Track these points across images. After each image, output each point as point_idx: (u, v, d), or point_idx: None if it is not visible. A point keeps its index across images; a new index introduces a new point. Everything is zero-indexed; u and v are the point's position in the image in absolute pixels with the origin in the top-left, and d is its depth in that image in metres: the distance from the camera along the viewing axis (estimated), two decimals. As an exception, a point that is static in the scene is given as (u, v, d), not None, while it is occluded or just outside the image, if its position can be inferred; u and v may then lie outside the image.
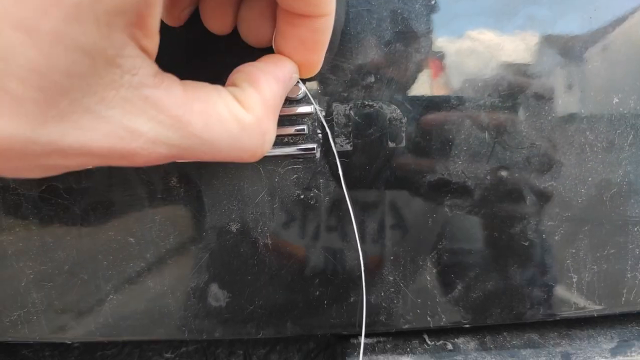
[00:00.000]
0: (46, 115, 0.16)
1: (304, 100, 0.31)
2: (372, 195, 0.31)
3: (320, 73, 0.30)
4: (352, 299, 0.33)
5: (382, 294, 0.33)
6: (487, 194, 0.31)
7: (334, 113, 0.31)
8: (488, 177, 0.31)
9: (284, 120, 0.31)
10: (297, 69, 0.27)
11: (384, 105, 0.30)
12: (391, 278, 0.32)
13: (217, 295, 0.33)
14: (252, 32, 0.27)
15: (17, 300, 0.35)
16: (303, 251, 0.33)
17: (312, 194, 0.32)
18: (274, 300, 0.33)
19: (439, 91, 0.30)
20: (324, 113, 0.31)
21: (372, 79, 0.30)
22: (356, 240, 0.30)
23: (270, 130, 0.24)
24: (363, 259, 0.32)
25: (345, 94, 0.31)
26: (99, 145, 0.18)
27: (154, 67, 0.19)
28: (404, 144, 0.31)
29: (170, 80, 0.20)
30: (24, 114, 0.16)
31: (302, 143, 0.31)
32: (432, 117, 0.30)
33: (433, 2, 0.30)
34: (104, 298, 0.34)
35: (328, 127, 0.30)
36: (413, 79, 0.30)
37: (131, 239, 0.33)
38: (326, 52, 0.29)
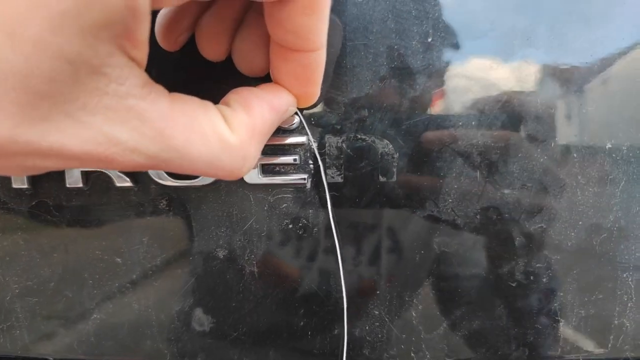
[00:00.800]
0: (26, 116, 0.16)
1: (297, 131, 0.31)
2: (361, 229, 0.31)
3: (315, 104, 0.30)
4: (336, 331, 0.33)
5: (367, 327, 0.32)
6: (476, 233, 0.31)
7: (327, 145, 0.31)
8: (478, 217, 0.31)
9: (276, 149, 0.31)
10: (295, 102, 0.27)
11: (377, 139, 0.30)
12: (376, 312, 0.32)
13: (201, 320, 0.33)
14: (246, 62, 0.28)
15: (1, 314, 0.35)
16: (289, 280, 0.32)
17: (300, 224, 0.32)
18: (258, 327, 0.33)
19: (432, 128, 0.30)
20: (316, 144, 0.31)
21: (366, 113, 0.30)
22: (340, 274, 0.30)
23: (252, 155, 0.24)
24: (348, 291, 0.32)
25: (339, 127, 0.31)
26: (77, 149, 0.18)
27: (143, 78, 0.19)
28: (395, 179, 0.31)
29: (158, 92, 0.20)
30: (3, 114, 0.16)
31: (293, 173, 0.31)
32: (424, 153, 0.30)
33: (430, 40, 0.30)
34: (87, 316, 0.34)
35: (320, 158, 0.30)
36: (407, 115, 0.30)
37: (118, 259, 0.33)
38: (322, 85, 0.29)
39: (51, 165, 0.19)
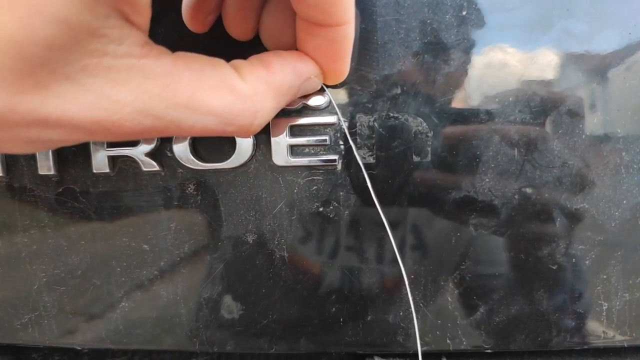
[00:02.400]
0: (24, 83, 0.16)
1: (326, 110, 0.30)
2: (394, 211, 0.30)
3: (344, 82, 0.29)
4: (368, 317, 0.32)
5: (401, 313, 0.31)
6: (514, 214, 0.30)
7: (358, 124, 0.30)
8: (516, 197, 0.30)
9: (306, 130, 0.30)
10: (320, 73, 0.26)
11: (410, 117, 0.29)
12: (411, 298, 0.31)
13: (230, 307, 0.32)
14: (274, 39, 0.27)
15: (29, 303, 0.34)
16: (320, 266, 0.31)
17: (331, 207, 0.31)
18: (289, 315, 0.32)
19: (467, 105, 0.29)
20: (347, 124, 0.30)
21: (398, 91, 0.29)
22: (395, 253, 0.29)
23: (265, 111, 0.23)
24: (379, 276, 0.31)
25: (370, 105, 0.30)
26: (81, 115, 0.18)
27: (143, 38, 0.19)
28: (429, 158, 0.30)
29: (160, 50, 0.19)
30: (1, 83, 0.16)
31: (323, 154, 0.30)
32: (459, 131, 0.29)
33: (464, 13, 0.29)
34: (115, 305, 0.33)
35: (351, 138, 0.29)
36: (441, 92, 0.29)
37: (145, 246, 0.32)
38: (351, 61, 0.28)
39: (56, 136, 0.19)
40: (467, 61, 0.29)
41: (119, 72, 0.18)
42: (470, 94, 0.29)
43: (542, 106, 0.29)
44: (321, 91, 0.29)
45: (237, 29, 0.27)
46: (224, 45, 0.28)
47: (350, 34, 0.25)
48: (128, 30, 0.18)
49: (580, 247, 0.30)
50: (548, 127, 0.29)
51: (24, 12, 0.15)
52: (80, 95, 0.17)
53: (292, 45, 0.26)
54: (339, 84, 0.29)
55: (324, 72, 0.26)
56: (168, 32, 0.29)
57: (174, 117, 0.20)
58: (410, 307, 0.30)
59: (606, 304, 0.31)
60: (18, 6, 0.15)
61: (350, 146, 0.29)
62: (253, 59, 0.24)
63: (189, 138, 0.30)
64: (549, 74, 0.29)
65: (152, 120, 0.19)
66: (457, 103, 0.29)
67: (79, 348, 0.35)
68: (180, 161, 0.31)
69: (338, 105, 0.30)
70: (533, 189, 0.29)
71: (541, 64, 0.29)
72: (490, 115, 0.29)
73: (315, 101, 0.29)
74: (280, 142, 0.30)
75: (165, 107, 0.19)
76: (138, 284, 0.33)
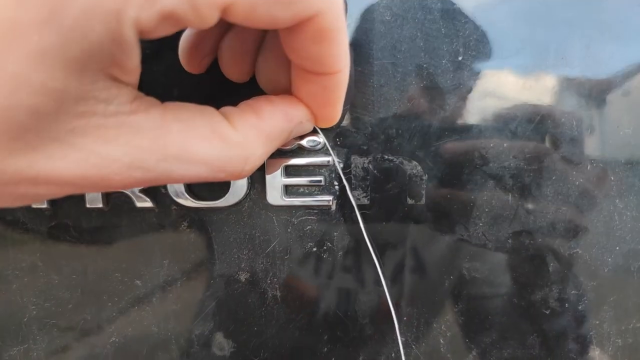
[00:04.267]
0: (12, 147, 0.16)
1: (321, 151, 0.30)
2: (388, 252, 0.30)
3: (339, 124, 0.29)
4: (361, 358, 0.32)
5: (392, 354, 0.31)
6: (508, 258, 0.30)
7: (352, 165, 0.30)
8: (510, 241, 0.30)
9: (300, 170, 0.30)
10: (311, 117, 0.26)
11: (405, 160, 0.30)
12: (403, 338, 0.31)
13: (222, 345, 0.32)
14: (270, 82, 0.27)
15: (19, 336, 0.34)
16: (313, 305, 0.31)
17: (325, 248, 0.31)
18: (280, 353, 0.32)
19: (462, 150, 0.29)
20: (342, 165, 0.30)
21: (394, 133, 0.29)
22: (386, 294, 0.29)
23: (256, 156, 0.23)
24: (370, 316, 0.31)
25: (365, 147, 0.30)
26: (70, 173, 0.18)
27: (132, 94, 0.19)
28: (423, 201, 0.30)
29: (149, 103, 0.19)
30: None
31: (318, 194, 0.30)
32: (454, 175, 0.29)
33: (460, 59, 0.29)
34: (106, 339, 0.33)
35: (346, 179, 0.29)
36: (436, 135, 0.29)
37: (138, 282, 0.32)
38: (348, 104, 0.29)
39: (44, 192, 0.19)
40: (462, 106, 0.29)
41: (108, 130, 0.18)
42: (465, 139, 0.29)
43: (537, 153, 0.29)
44: (315, 132, 0.29)
45: (233, 72, 0.28)
46: (220, 85, 0.28)
47: (343, 81, 0.25)
48: (117, 90, 0.18)
49: (573, 292, 0.30)
50: (542, 174, 0.29)
51: (10, 81, 0.15)
52: (69, 154, 0.17)
53: (287, 88, 0.27)
54: (335, 125, 0.30)
55: (316, 116, 0.27)
56: (165, 73, 0.29)
57: (165, 168, 0.20)
58: (403, 347, 0.30)
59: (598, 349, 0.31)
60: (3, 75, 0.15)
61: (345, 187, 0.29)
62: (243, 105, 0.24)
63: (183, 176, 0.30)
64: (543, 120, 0.29)
65: (142, 172, 0.19)
66: (452, 147, 0.29)
67: (68, 381, 0.35)
68: (175, 198, 0.31)
69: (333, 147, 0.30)
70: (526, 234, 0.30)
71: (535, 109, 0.29)
72: (484, 160, 0.29)
73: (310, 142, 0.30)
74: (275, 182, 0.30)
75: (156, 159, 0.19)
76: (129, 319, 0.33)
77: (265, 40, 0.26)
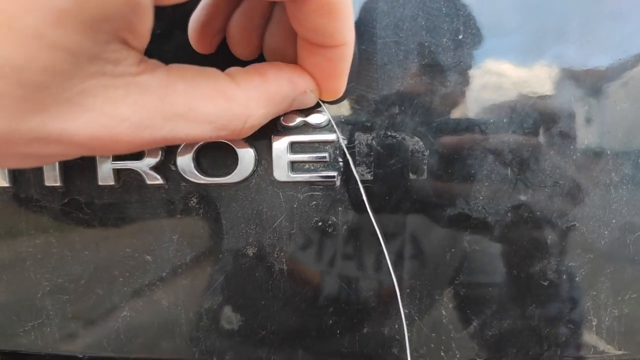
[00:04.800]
0: (24, 107, 0.17)
1: (326, 128, 0.31)
2: (391, 226, 0.31)
3: (344, 101, 0.30)
4: (365, 330, 0.33)
5: (396, 326, 0.32)
6: (507, 231, 0.31)
7: (356, 142, 0.31)
8: (509, 214, 0.31)
9: (306, 146, 0.31)
10: (316, 88, 0.27)
11: (407, 137, 0.30)
12: (406, 311, 0.32)
13: (230, 318, 0.33)
14: (277, 58, 0.28)
15: (32, 311, 0.35)
16: (318, 278, 0.32)
17: (330, 222, 0.32)
18: (287, 326, 0.33)
19: (462, 125, 0.30)
20: (346, 142, 0.31)
21: (396, 110, 0.30)
22: (389, 266, 0.30)
23: (257, 115, 0.24)
24: (374, 290, 0.32)
25: (369, 124, 0.31)
26: (80, 133, 0.18)
27: (138, 56, 0.19)
28: (425, 176, 0.31)
29: (154, 64, 0.20)
30: (2, 108, 0.16)
31: (323, 170, 0.31)
32: (454, 150, 0.30)
33: (460, 37, 0.30)
34: (117, 314, 0.34)
35: (350, 155, 0.30)
36: (437, 112, 0.30)
37: (148, 257, 0.33)
38: (352, 81, 0.30)
39: (56, 152, 0.19)
40: (462, 83, 0.30)
41: (117, 90, 0.19)
42: (466, 115, 0.30)
43: (535, 127, 0.30)
44: (319, 108, 0.30)
45: (242, 49, 0.28)
46: (230, 65, 0.29)
47: (348, 54, 0.25)
48: (126, 53, 0.19)
49: (570, 264, 0.31)
50: (540, 148, 0.30)
51: (24, 38, 0.16)
52: (80, 115, 0.18)
53: (293, 62, 0.27)
54: (339, 102, 0.31)
55: (321, 88, 0.27)
56: (175, 53, 0.30)
57: (171, 127, 0.21)
58: (406, 319, 0.31)
59: (596, 320, 0.32)
60: (18, 32, 0.15)
61: (349, 163, 0.30)
62: (249, 67, 0.25)
63: (193, 152, 0.31)
64: (542, 96, 0.30)
65: (150, 132, 0.20)
66: (453, 123, 0.30)
67: (80, 356, 0.36)
68: (184, 175, 0.31)
69: (338, 123, 0.31)
70: (525, 207, 0.30)
71: (534, 86, 0.30)
72: (484, 134, 0.30)
73: (315, 119, 0.31)
74: (282, 158, 0.31)
75: (162, 118, 0.20)
76: (140, 293, 0.34)
77: (273, 15, 0.27)
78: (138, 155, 0.32)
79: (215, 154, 0.31)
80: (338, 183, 0.31)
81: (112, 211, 0.33)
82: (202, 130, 0.22)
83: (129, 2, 0.17)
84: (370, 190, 0.31)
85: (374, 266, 0.32)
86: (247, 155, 0.31)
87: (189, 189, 0.32)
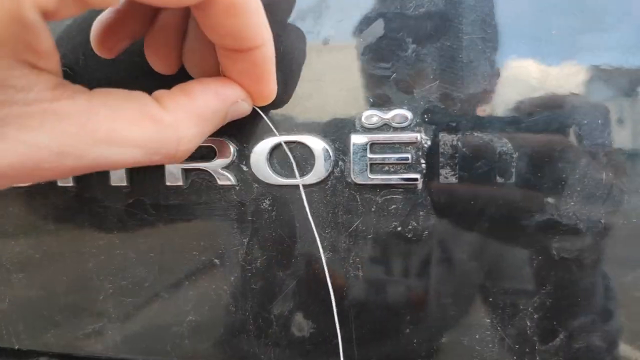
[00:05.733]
0: None
1: (408, 128, 0.29)
2: (476, 231, 0.30)
3: (428, 100, 0.29)
4: (443, 339, 0.31)
5: (477, 336, 0.31)
6: (600, 239, 0.29)
7: (441, 143, 0.29)
8: (602, 221, 0.29)
9: (385, 147, 0.30)
10: (247, 96, 0.27)
11: (495, 138, 0.29)
12: (488, 320, 0.31)
13: (301, 325, 0.32)
14: (199, 70, 0.27)
15: (94, 314, 0.34)
16: (395, 286, 0.31)
17: (410, 227, 0.30)
18: (361, 334, 0.32)
19: (555, 127, 0.28)
20: (429, 142, 0.29)
21: (483, 110, 0.29)
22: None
23: (188, 136, 0.23)
24: (456, 297, 0.30)
25: (454, 124, 0.29)
26: None
27: (54, 80, 0.19)
28: (513, 179, 0.29)
29: (74, 90, 0.20)
30: None
31: (403, 172, 0.30)
32: (545, 152, 0.29)
33: (553, 32, 0.28)
34: (182, 318, 0.33)
35: (434, 157, 0.29)
36: (527, 112, 0.28)
37: (216, 260, 0.32)
38: (435, 79, 0.28)
39: None
40: (555, 83, 0.28)
41: (32, 118, 0.18)
42: (557, 115, 0.28)
43: (634, 130, 0.28)
44: (402, 109, 0.29)
45: (161, 64, 0.28)
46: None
47: (268, 54, 0.25)
48: (36, 77, 0.18)
49: (666, 274, 0.29)
50: (637, 152, 0.28)
51: None
52: None
53: (217, 73, 0.27)
54: (422, 102, 0.29)
55: (251, 94, 0.27)
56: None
57: (97, 153, 0.20)
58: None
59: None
60: None
61: (432, 165, 0.29)
62: (175, 88, 0.24)
63: (266, 152, 0.30)
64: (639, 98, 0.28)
65: (74, 159, 0.20)
66: (544, 125, 0.28)
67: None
68: (257, 176, 0.30)
69: (421, 124, 0.29)
70: (621, 214, 0.29)
71: (632, 85, 0.28)
72: (578, 137, 0.28)
73: (396, 119, 0.29)
74: (361, 160, 0.29)
75: (86, 144, 0.20)
76: (207, 298, 0.33)
77: (188, 30, 0.26)
78: (209, 155, 0.30)
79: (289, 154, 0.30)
80: (420, 186, 0.30)
81: (179, 212, 0.32)
82: (132, 155, 0.21)
83: (18, 22, 0.16)
84: (454, 193, 0.29)
85: (454, 274, 0.30)
86: (323, 156, 0.29)
87: (261, 190, 0.31)
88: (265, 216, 0.31)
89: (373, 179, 0.29)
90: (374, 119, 0.29)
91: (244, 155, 0.30)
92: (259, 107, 0.28)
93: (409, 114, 0.29)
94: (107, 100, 0.21)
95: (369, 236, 0.30)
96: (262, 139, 0.30)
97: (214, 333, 0.33)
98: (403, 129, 0.29)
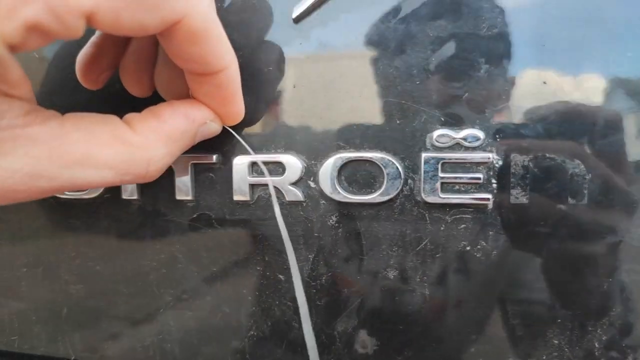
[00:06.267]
0: None
1: (480, 148, 0.29)
2: (545, 252, 0.30)
3: (500, 120, 0.29)
4: (509, 360, 0.31)
5: (544, 357, 0.31)
6: (672, 261, 0.29)
7: (512, 163, 0.29)
8: (675, 244, 0.29)
9: (456, 167, 0.29)
10: (215, 117, 0.28)
11: (567, 159, 0.29)
12: (555, 341, 0.30)
13: (365, 342, 0.32)
14: (169, 93, 0.28)
15: (153, 326, 0.34)
16: (462, 306, 0.31)
17: (479, 246, 0.30)
18: (425, 353, 0.31)
19: (630, 149, 0.28)
20: (500, 163, 0.29)
21: (556, 131, 0.29)
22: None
23: (158, 157, 0.24)
24: (523, 319, 0.30)
25: (525, 144, 0.29)
26: None
27: (25, 107, 0.20)
28: (585, 201, 0.29)
29: (46, 115, 0.21)
30: None
31: (474, 192, 0.29)
32: (619, 176, 0.28)
33: (630, 55, 0.28)
34: (243, 333, 0.33)
35: (504, 176, 0.29)
36: (601, 134, 0.28)
37: (281, 276, 0.32)
38: (508, 100, 0.28)
39: None
40: (629, 101, 0.28)
41: (5, 143, 0.19)
42: (634, 138, 0.28)
43: None
44: (474, 128, 0.29)
45: (135, 88, 0.29)
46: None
47: (232, 76, 0.26)
48: (7, 105, 0.19)
49: None
50: None
51: None
52: None
53: (187, 96, 0.28)
54: (494, 121, 0.29)
55: (220, 115, 0.28)
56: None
57: (70, 175, 0.21)
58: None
59: None
60: None
61: (503, 185, 0.29)
62: (145, 111, 0.25)
63: (336, 170, 0.30)
64: None
65: (47, 181, 0.20)
66: (618, 147, 0.28)
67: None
68: (325, 192, 0.30)
69: (493, 143, 0.29)
70: (695, 238, 0.29)
71: None
72: None
73: (468, 138, 0.29)
74: (432, 179, 0.29)
75: (58, 167, 0.21)
76: (269, 313, 0.33)
77: (158, 55, 0.28)
78: (278, 171, 0.30)
79: (358, 171, 0.30)
80: (490, 206, 0.29)
81: (244, 228, 0.32)
82: (103, 176, 0.22)
83: None
84: (525, 214, 0.29)
85: (524, 294, 0.30)
86: (394, 174, 0.29)
87: (329, 207, 0.31)
88: (331, 233, 0.31)
89: (444, 198, 0.29)
90: (445, 138, 0.29)
91: (312, 172, 0.31)
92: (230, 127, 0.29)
93: (481, 134, 0.29)
94: (79, 124, 0.22)
95: (437, 255, 0.30)
96: (331, 156, 0.30)
97: (275, 349, 0.33)
98: (474, 149, 0.29)
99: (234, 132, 0.29)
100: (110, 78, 0.30)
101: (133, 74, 0.29)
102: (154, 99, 0.28)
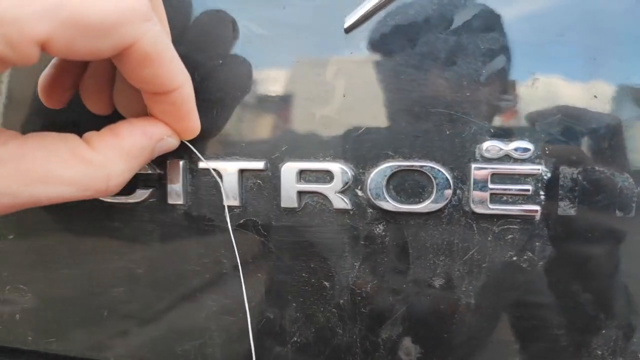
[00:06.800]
0: None
1: (529, 160, 0.29)
2: (592, 264, 0.30)
3: (548, 133, 0.29)
4: (552, 370, 0.31)
5: (587, 368, 0.31)
6: None
7: (561, 176, 0.29)
8: None
9: (505, 178, 0.30)
10: (172, 133, 0.29)
11: (616, 172, 0.29)
12: (599, 352, 0.31)
13: (409, 350, 0.32)
14: (128, 111, 0.30)
15: (195, 331, 0.34)
16: (508, 316, 0.31)
17: (525, 257, 0.30)
18: (469, 362, 0.32)
19: (679, 163, 0.29)
20: (549, 175, 0.29)
21: (605, 144, 0.29)
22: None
23: (117, 173, 0.25)
24: (567, 328, 0.30)
25: (574, 157, 0.29)
26: None
27: None
28: (633, 214, 0.29)
29: (7, 136, 0.22)
30: None
31: (523, 203, 0.30)
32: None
33: (680, 70, 0.28)
34: (287, 339, 0.33)
35: (554, 190, 0.29)
36: (651, 148, 0.29)
37: (326, 283, 0.32)
38: (557, 113, 0.28)
39: None
40: (681, 119, 0.29)
41: None
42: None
43: None
44: (524, 140, 0.29)
45: (95, 106, 0.30)
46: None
47: (186, 94, 0.27)
48: None
49: None
50: None
51: None
52: None
53: (145, 113, 0.29)
54: (544, 134, 0.29)
55: (177, 131, 0.29)
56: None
57: (31, 192, 0.22)
58: None
59: None
60: None
61: (551, 197, 0.29)
62: (104, 129, 0.26)
63: (385, 178, 0.30)
64: None
65: (9, 198, 0.22)
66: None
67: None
68: (372, 201, 0.30)
69: (541, 155, 0.29)
70: None
71: None
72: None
73: (518, 151, 0.29)
74: (482, 190, 0.29)
75: (19, 185, 0.22)
76: (313, 320, 0.33)
77: (116, 75, 0.29)
78: (325, 179, 0.31)
79: (406, 181, 0.30)
80: (538, 217, 0.30)
81: (290, 234, 0.32)
82: (64, 192, 0.23)
83: None
84: (572, 226, 0.29)
85: (570, 305, 0.30)
86: (443, 184, 0.30)
87: (376, 215, 0.31)
88: (378, 241, 0.31)
89: (493, 209, 0.30)
90: (495, 150, 0.29)
91: (359, 180, 0.31)
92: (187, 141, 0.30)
93: (531, 146, 0.29)
94: (39, 143, 0.23)
95: (484, 265, 0.31)
96: (380, 165, 0.30)
97: (318, 355, 0.33)
98: (524, 161, 0.29)
99: (191, 146, 0.30)
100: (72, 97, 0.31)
101: (93, 93, 0.30)
102: (116, 117, 0.30)
